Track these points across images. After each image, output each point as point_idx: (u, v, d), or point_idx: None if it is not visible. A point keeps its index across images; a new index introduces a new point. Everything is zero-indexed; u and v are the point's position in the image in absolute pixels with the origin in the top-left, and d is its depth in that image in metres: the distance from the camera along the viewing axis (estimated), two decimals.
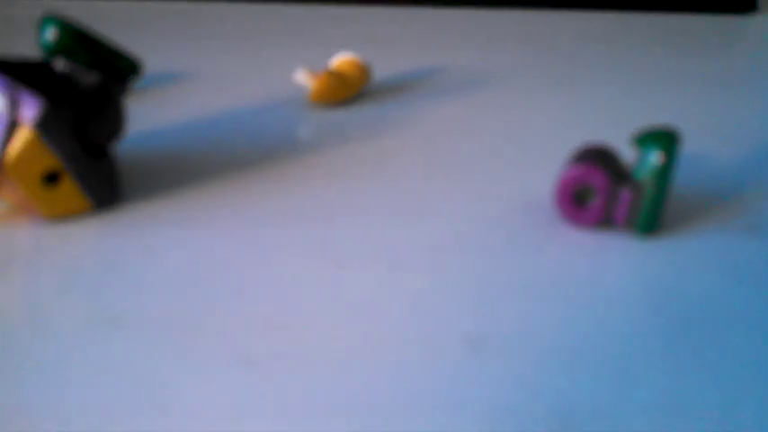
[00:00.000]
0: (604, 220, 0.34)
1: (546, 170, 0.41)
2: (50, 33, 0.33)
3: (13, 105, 0.32)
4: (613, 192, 0.33)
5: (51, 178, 0.34)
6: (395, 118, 0.47)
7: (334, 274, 0.32)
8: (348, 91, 0.49)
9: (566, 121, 0.47)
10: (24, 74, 0.35)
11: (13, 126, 0.32)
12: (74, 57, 0.34)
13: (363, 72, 0.50)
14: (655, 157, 0.33)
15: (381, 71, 0.55)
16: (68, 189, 0.35)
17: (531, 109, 0.49)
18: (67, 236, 0.34)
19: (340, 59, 0.50)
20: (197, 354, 0.27)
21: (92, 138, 0.35)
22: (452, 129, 0.46)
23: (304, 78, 0.49)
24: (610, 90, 0.52)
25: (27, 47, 0.58)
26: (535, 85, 0.53)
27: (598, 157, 0.34)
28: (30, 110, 0.32)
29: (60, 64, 0.35)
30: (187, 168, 0.41)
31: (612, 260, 0.33)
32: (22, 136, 0.32)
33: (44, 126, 0.32)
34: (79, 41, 0.34)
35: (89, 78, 0.35)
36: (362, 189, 0.39)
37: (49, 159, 0.33)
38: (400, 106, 0.49)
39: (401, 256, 0.33)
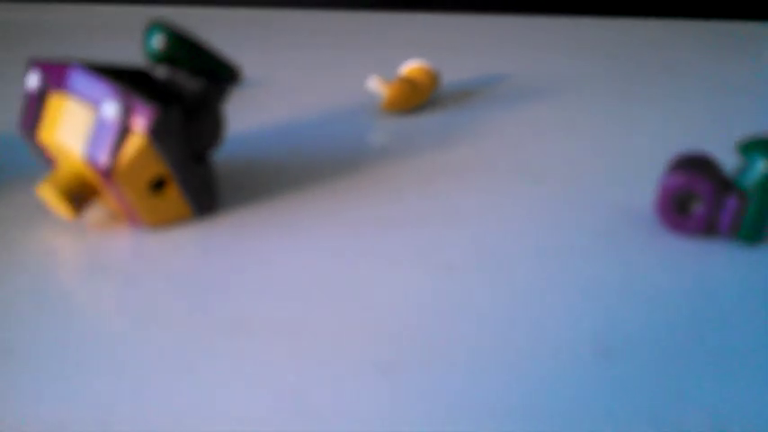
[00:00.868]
0: (707, 229, 0.34)
1: (640, 178, 0.41)
2: (158, 40, 0.33)
3: (126, 112, 0.32)
4: (719, 200, 0.33)
5: (157, 185, 0.34)
6: (468, 125, 0.47)
7: (448, 279, 0.32)
8: (419, 98, 0.49)
9: (643, 129, 0.47)
10: (129, 81, 0.35)
11: (124, 132, 0.32)
12: (179, 63, 0.34)
13: (433, 79, 0.50)
14: (762, 166, 0.33)
15: (448, 77, 0.55)
16: (172, 196, 0.35)
17: (605, 116, 0.49)
18: (171, 242, 0.34)
19: (410, 66, 0.50)
20: (329, 359, 0.27)
21: (193, 145, 0.35)
22: (530, 136, 0.46)
23: (377, 86, 0.49)
24: (682, 97, 0.52)
25: (65, 51, 0.58)
26: (603, 92, 0.53)
27: (700, 165, 0.34)
28: (142, 117, 0.32)
29: (161, 71, 0.35)
30: (270, 174, 0.41)
31: (719, 268, 0.33)
32: (135, 143, 0.32)
33: (157, 133, 0.32)
34: (185, 48, 0.34)
35: (192, 85, 0.35)
36: (454, 195, 0.39)
37: (157, 166, 0.33)
38: (471, 113, 0.49)
39: (509, 262, 0.33)
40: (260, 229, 0.35)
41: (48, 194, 0.33)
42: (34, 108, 0.34)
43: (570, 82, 0.55)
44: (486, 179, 0.40)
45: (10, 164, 0.42)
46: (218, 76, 0.35)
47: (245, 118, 0.47)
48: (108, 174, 0.32)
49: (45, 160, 0.36)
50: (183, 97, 0.34)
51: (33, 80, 0.34)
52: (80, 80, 0.33)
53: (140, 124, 0.32)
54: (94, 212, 0.37)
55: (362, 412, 0.25)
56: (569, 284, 0.31)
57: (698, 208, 0.34)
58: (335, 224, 0.36)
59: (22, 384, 0.26)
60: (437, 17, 0.70)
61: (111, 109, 0.32)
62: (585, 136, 0.46)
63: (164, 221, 0.35)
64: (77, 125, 0.33)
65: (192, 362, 0.27)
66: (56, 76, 0.34)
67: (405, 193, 0.39)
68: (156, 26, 0.34)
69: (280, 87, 0.53)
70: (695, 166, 0.34)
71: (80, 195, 0.34)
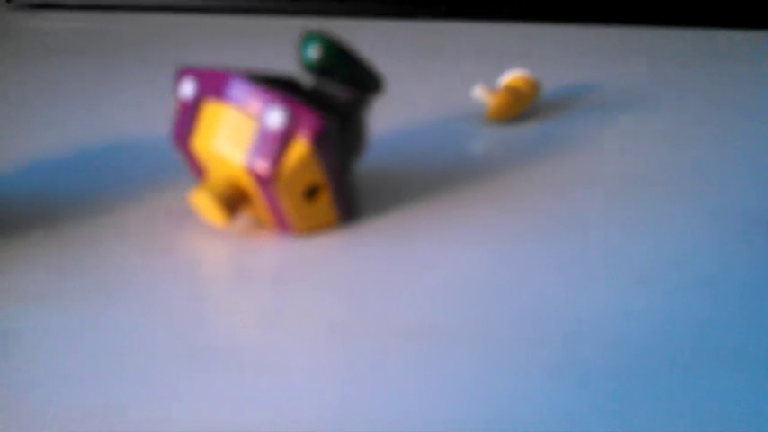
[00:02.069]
0: None
1: (760, 183, 0.41)
2: (314, 50, 0.34)
3: (291, 120, 0.32)
4: None
5: (311, 193, 0.35)
6: (574, 133, 0.48)
7: (608, 288, 0.32)
8: (522, 107, 0.50)
9: (741, 137, 0.47)
10: (285, 90, 0.35)
11: (288, 140, 0.32)
12: (333, 73, 0.35)
13: (534, 88, 0.51)
14: None
15: (544, 86, 0.56)
16: (323, 204, 0.35)
17: (706, 125, 0.49)
18: (321, 248, 0.35)
19: (512, 76, 0.51)
20: (518, 366, 0.27)
21: (343, 153, 0.35)
22: (635, 144, 0.46)
23: (482, 95, 0.49)
24: None
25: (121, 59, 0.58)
26: (702, 102, 0.53)
27: None
28: (308, 125, 0.32)
29: (313, 80, 0.35)
30: (392, 182, 0.41)
31: None
32: (298, 150, 0.33)
33: (320, 141, 0.33)
34: (340, 58, 0.34)
35: (342, 94, 0.35)
36: (585, 203, 0.39)
37: (315, 174, 0.34)
38: (573, 122, 0.50)
39: (676, 272, 0.33)
40: (402, 234, 0.36)
41: (203, 201, 0.34)
42: (188, 116, 0.35)
43: (664, 91, 0.56)
44: (609, 188, 0.41)
45: (146, 170, 0.43)
46: (366, 85, 0.35)
47: None
48: (269, 181, 0.33)
49: (193, 169, 0.37)
50: (333, 106, 0.35)
51: (187, 88, 0.35)
52: (240, 88, 0.33)
53: (305, 132, 0.32)
54: (239, 220, 0.37)
55: (542, 416, 0.25)
56: (734, 295, 0.32)
57: None
58: (472, 231, 0.36)
59: (191, 388, 0.26)
60: (529, 28, 0.71)
61: (276, 117, 0.32)
62: (694, 144, 0.47)
63: (313, 228, 0.36)
64: (237, 133, 0.33)
65: (365, 368, 0.27)
66: (212, 84, 0.34)
67: (533, 202, 0.39)
68: (313, 36, 0.34)
69: (388, 96, 0.53)
70: None
71: (234, 202, 0.34)
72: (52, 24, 0.75)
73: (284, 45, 0.66)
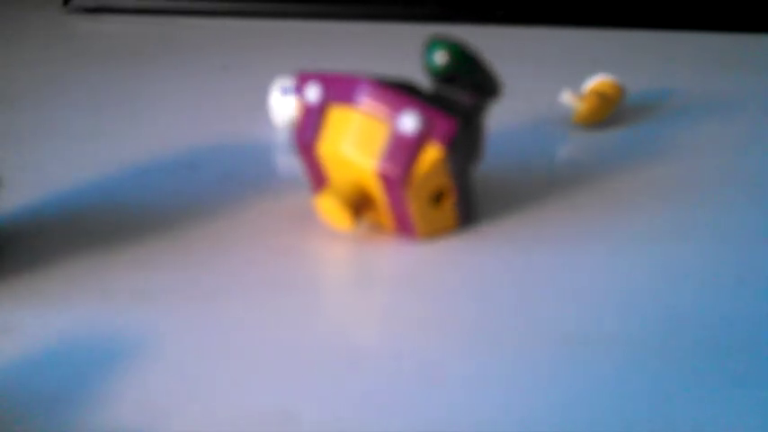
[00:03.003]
0: None
1: None
2: (440, 56, 0.34)
3: (425, 124, 0.32)
4: None
5: (437, 197, 0.35)
6: (663, 137, 0.48)
7: (748, 292, 0.32)
8: (608, 111, 0.50)
9: None
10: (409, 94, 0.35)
11: (421, 144, 0.33)
12: (457, 78, 0.35)
13: (619, 93, 0.51)
14: None
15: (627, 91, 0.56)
16: (447, 208, 0.35)
17: None
18: (445, 252, 0.35)
19: (599, 80, 0.51)
20: (679, 371, 0.27)
21: (466, 157, 0.35)
22: (730, 147, 0.46)
23: (570, 99, 0.49)
24: None
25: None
26: None
27: None
28: (442, 129, 0.32)
29: (435, 85, 0.35)
30: (494, 185, 0.41)
31: None
32: (431, 154, 0.33)
33: (452, 145, 0.33)
34: (465, 63, 0.34)
35: (463, 99, 0.35)
36: (690, 207, 0.39)
37: (444, 178, 0.34)
38: (659, 126, 0.50)
39: None
40: (520, 238, 0.36)
41: (329, 204, 0.34)
42: (313, 121, 0.35)
43: (748, 96, 0.56)
44: (712, 195, 0.41)
45: (255, 173, 0.43)
46: (487, 89, 0.36)
47: None
48: (401, 185, 0.33)
49: (311, 173, 0.37)
50: (456, 111, 0.35)
51: (312, 93, 0.35)
52: (369, 93, 0.33)
53: (439, 137, 0.33)
54: (361, 223, 0.38)
55: (706, 418, 0.25)
56: None
57: None
58: (587, 235, 0.36)
59: (351, 390, 0.26)
60: (602, 33, 0.71)
61: (410, 122, 0.32)
62: None
63: (436, 233, 0.36)
64: (366, 137, 0.33)
65: (515, 372, 0.27)
66: (339, 88, 0.34)
67: (638, 205, 0.39)
68: (439, 42, 0.34)
69: None
70: None
71: (359, 206, 0.34)
72: (108, 28, 0.75)
73: (339, 48, 0.67)
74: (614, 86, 0.51)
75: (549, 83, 0.57)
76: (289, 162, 0.44)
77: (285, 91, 0.47)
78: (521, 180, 0.42)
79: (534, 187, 0.41)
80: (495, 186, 0.41)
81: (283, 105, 0.47)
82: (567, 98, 0.49)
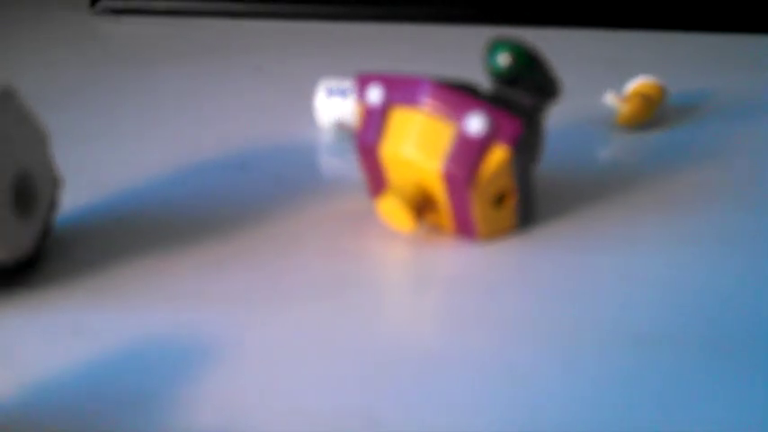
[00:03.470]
0: None
1: None
2: (503, 58, 0.34)
3: (491, 126, 0.32)
4: None
5: (500, 199, 0.35)
6: (707, 138, 0.48)
7: None
8: (651, 113, 0.50)
9: None
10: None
11: (488, 145, 0.33)
12: (520, 80, 0.35)
13: (662, 94, 0.51)
14: None
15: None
16: (508, 209, 0.35)
17: None
18: (506, 253, 0.35)
19: (641, 82, 0.51)
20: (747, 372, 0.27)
21: (528, 159, 0.35)
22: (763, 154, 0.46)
23: (614, 101, 0.49)
24: None
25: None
26: None
27: None
28: (508, 130, 0.32)
29: (489, 85, 0.35)
30: (546, 187, 0.41)
31: None
32: (498, 155, 0.33)
33: (518, 146, 0.33)
34: (528, 65, 0.34)
35: (524, 100, 0.35)
36: (742, 213, 0.39)
37: (508, 179, 0.34)
38: (702, 127, 0.50)
39: None
40: (577, 239, 0.36)
41: (392, 205, 0.34)
42: (375, 123, 0.35)
43: None
44: (761, 196, 0.41)
45: (307, 175, 0.43)
46: (548, 91, 0.36)
47: None
48: (467, 187, 0.33)
49: (371, 174, 0.37)
50: (516, 111, 0.35)
51: (375, 94, 0.35)
52: (434, 94, 0.33)
53: (505, 137, 0.33)
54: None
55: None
56: None
57: None
58: (642, 235, 0.36)
59: (432, 392, 0.26)
60: (644, 35, 0.71)
61: (477, 123, 0.32)
62: None
63: (496, 234, 0.36)
64: (430, 139, 0.33)
65: (592, 375, 0.27)
66: (401, 90, 0.34)
67: (689, 207, 0.39)
68: (503, 43, 0.34)
69: None
70: None
71: (422, 207, 0.34)
72: (136, 30, 0.75)
73: (366, 50, 0.67)
74: (656, 88, 0.51)
75: (589, 85, 0.57)
76: (336, 163, 0.44)
77: (331, 92, 0.47)
78: (569, 182, 0.42)
79: (583, 189, 0.41)
80: (545, 188, 0.41)
81: (329, 107, 0.47)
82: (610, 100, 0.49)
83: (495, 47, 0.34)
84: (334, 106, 0.47)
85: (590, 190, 0.41)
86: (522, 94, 0.35)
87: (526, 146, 0.34)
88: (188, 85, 0.58)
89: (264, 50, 0.67)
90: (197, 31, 0.74)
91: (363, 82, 0.36)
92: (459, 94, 0.33)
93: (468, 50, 0.66)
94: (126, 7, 0.81)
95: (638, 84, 0.51)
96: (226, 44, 0.69)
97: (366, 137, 0.35)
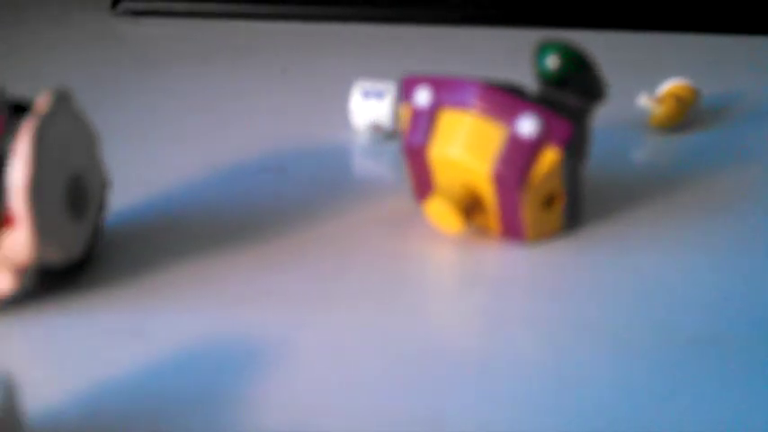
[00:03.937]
0: None
1: None
2: (552, 61, 0.34)
3: (543, 127, 0.32)
4: None
5: (549, 201, 0.35)
6: (743, 140, 0.48)
7: None
8: (685, 115, 0.50)
9: None
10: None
11: (539, 148, 0.33)
12: (568, 82, 0.35)
13: (695, 96, 0.51)
14: None
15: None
16: (556, 211, 0.35)
17: None
18: (554, 255, 0.35)
19: (674, 84, 0.51)
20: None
21: (576, 161, 0.35)
22: None
23: (648, 103, 0.49)
24: None
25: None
26: None
27: None
28: (560, 133, 0.32)
29: (534, 86, 0.35)
30: (587, 189, 0.41)
31: None
32: (549, 158, 0.33)
33: (569, 148, 0.33)
34: (577, 68, 0.34)
35: (571, 102, 0.35)
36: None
37: (557, 181, 0.34)
38: (737, 129, 0.50)
39: None
40: (623, 241, 0.36)
41: (440, 207, 0.34)
42: (423, 125, 0.35)
43: None
44: None
45: (346, 176, 0.43)
46: (595, 93, 0.36)
47: None
48: (518, 189, 0.33)
49: (417, 177, 0.37)
50: (565, 113, 0.35)
51: (423, 96, 0.35)
52: (483, 96, 0.33)
53: (557, 140, 0.33)
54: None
55: None
56: None
57: None
58: (688, 238, 0.36)
59: (483, 395, 0.26)
60: (675, 37, 0.72)
61: (529, 125, 0.32)
62: None
63: (543, 235, 0.36)
64: (480, 141, 0.33)
65: (641, 376, 0.27)
66: (450, 92, 0.34)
67: (734, 209, 0.39)
68: (552, 45, 0.34)
69: None
70: None
71: (470, 209, 0.34)
72: (157, 31, 0.75)
73: (382, 53, 0.67)
74: (689, 90, 0.51)
75: (621, 87, 0.57)
76: (373, 166, 0.44)
77: (367, 94, 0.47)
78: (609, 183, 0.42)
79: (623, 190, 0.41)
80: (585, 189, 0.41)
81: (365, 108, 0.47)
82: (644, 101, 0.49)
83: (543, 49, 0.34)
84: (370, 108, 0.47)
85: (630, 192, 0.41)
86: (570, 96, 0.35)
87: (575, 148, 0.34)
88: (214, 88, 0.58)
89: (288, 53, 0.67)
90: (218, 33, 0.74)
91: (410, 84, 0.36)
92: (509, 96, 0.33)
93: (496, 52, 0.66)
94: (147, 9, 0.82)
95: (670, 86, 0.51)
96: (248, 46, 0.69)
97: (414, 139, 0.35)
